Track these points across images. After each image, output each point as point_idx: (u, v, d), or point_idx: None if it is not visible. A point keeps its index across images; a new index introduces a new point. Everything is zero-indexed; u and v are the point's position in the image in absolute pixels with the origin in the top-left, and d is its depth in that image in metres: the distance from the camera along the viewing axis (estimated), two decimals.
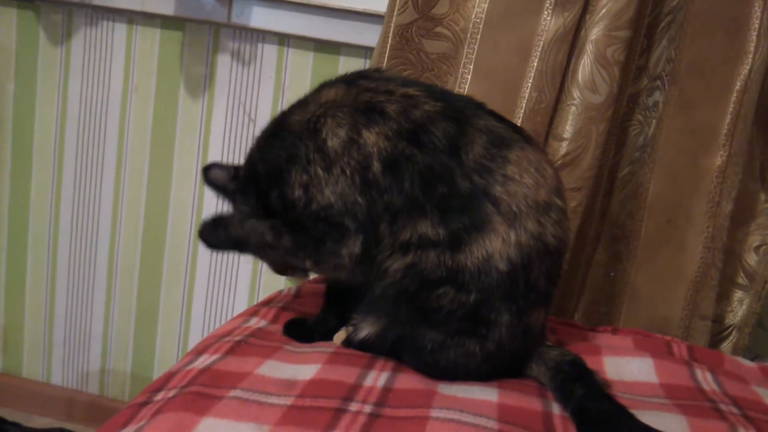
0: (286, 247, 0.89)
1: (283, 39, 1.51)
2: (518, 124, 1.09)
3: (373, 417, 0.68)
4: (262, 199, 0.91)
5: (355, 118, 0.84)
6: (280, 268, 0.98)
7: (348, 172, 0.83)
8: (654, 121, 1.21)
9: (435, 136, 0.82)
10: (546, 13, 1.14)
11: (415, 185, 0.81)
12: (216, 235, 0.94)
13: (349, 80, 0.91)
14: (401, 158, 0.82)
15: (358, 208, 0.83)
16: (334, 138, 0.84)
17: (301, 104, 0.91)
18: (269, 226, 0.90)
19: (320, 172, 0.84)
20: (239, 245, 0.94)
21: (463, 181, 0.80)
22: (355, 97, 0.87)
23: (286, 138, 0.88)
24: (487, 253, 0.78)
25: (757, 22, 1.12)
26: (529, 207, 0.80)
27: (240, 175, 0.95)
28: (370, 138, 0.83)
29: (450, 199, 0.80)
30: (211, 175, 0.96)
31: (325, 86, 0.92)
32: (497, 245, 0.78)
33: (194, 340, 1.67)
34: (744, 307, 1.25)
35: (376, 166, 0.82)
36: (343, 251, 0.85)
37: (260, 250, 0.93)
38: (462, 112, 0.84)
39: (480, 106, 0.88)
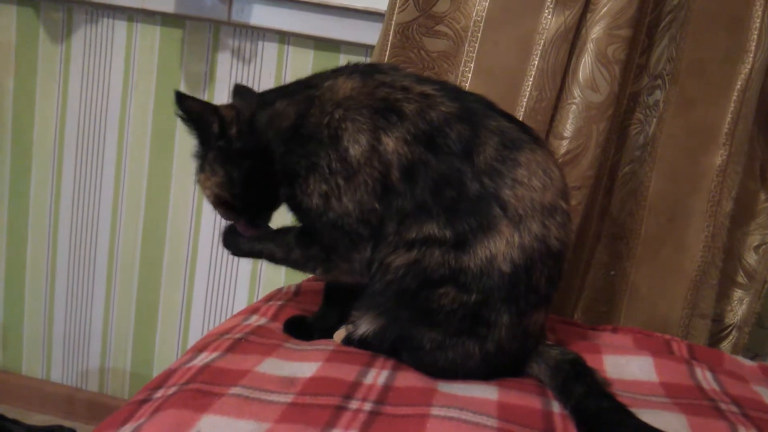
0: (296, 260, 0.90)
1: (284, 37, 1.51)
2: None
3: (373, 415, 0.68)
4: (251, 175, 0.90)
5: (374, 121, 0.83)
6: None
7: (369, 182, 0.83)
8: (654, 120, 1.21)
9: (450, 139, 0.81)
10: (547, 11, 1.14)
11: (426, 190, 0.81)
12: (235, 244, 0.95)
13: (365, 72, 0.89)
14: (418, 164, 0.81)
15: (374, 214, 0.83)
16: (356, 145, 0.83)
17: (316, 100, 0.87)
18: (277, 244, 0.91)
19: (341, 182, 0.83)
20: (254, 255, 0.96)
21: (472, 183, 0.80)
22: (372, 92, 0.85)
23: (306, 144, 0.86)
24: (490, 254, 0.78)
25: (758, 21, 1.11)
26: (534, 210, 0.80)
27: (231, 135, 0.90)
28: (390, 144, 0.82)
29: (458, 203, 0.80)
30: (188, 105, 0.89)
31: (338, 76, 0.89)
32: (501, 247, 0.78)
33: (194, 338, 1.67)
34: (744, 306, 1.25)
35: (395, 173, 0.82)
36: (356, 257, 0.85)
37: (273, 261, 0.94)
38: (476, 113, 0.84)
39: (491, 106, 0.87)
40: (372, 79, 0.87)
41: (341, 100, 0.86)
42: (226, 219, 0.97)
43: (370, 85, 0.86)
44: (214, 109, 0.90)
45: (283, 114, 0.90)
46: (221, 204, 0.94)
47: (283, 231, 0.92)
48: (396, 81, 0.87)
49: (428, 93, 0.85)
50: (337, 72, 0.91)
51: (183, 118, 0.91)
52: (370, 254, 0.85)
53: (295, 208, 0.89)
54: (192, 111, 0.90)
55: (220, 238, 0.96)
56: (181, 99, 0.89)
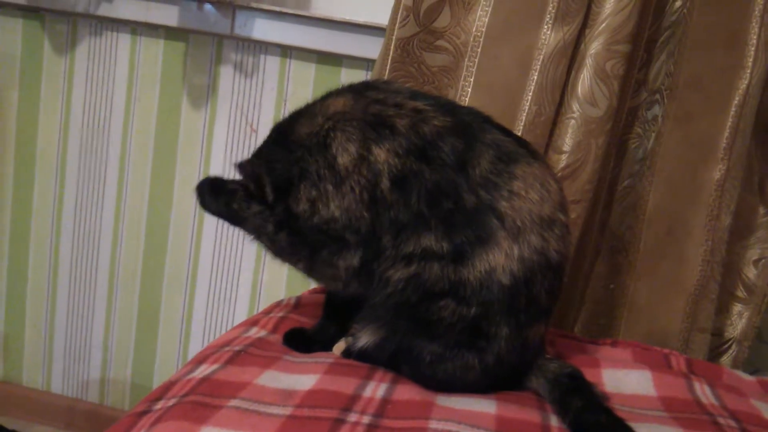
0: (282, 244, 0.89)
1: (286, 51, 1.52)
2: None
3: (371, 428, 0.69)
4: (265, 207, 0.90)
5: (365, 132, 0.84)
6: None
7: (357, 190, 0.83)
8: (653, 134, 1.21)
9: (443, 152, 0.82)
10: (546, 27, 1.15)
11: (421, 201, 0.81)
12: (216, 201, 0.91)
13: (357, 90, 0.90)
14: (410, 175, 0.82)
15: (362, 222, 0.83)
16: (345, 154, 0.83)
17: (307, 114, 0.89)
18: (272, 219, 0.89)
19: (329, 188, 0.84)
20: (235, 220, 0.91)
21: (469, 196, 0.80)
22: (364, 108, 0.86)
23: (295, 151, 0.86)
24: (489, 266, 0.78)
25: (755, 37, 1.12)
26: (533, 222, 0.80)
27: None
28: (381, 155, 0.82)
29: (455, 214, 0.80)
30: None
31: (331, 95, 0.91)
32: (500, 259, 0.79)
33: (194, 350, 1.67)
34: (743, 320, 1.25)
35: (385, 183, 0.82)
36: (340, 263, 0.85)
37: (256, 234, 0.91)
38: (470, 126, 0.85)
39: (487, 120, 0.88)
40: (364, 97, 0.88)
41: (332, 114, 0.87)
42: None
43: (362, 102, 0.87)
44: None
45: (274, 134, 0.92)
46: None
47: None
48: (389, 98, 0.87)
49: (420, 108, 0.85)
50: (328, 94, 0.92)
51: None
52: (359, 264, 0.85)
53: (288, 218, 0.88)
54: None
55: (196, 194, 0.92)
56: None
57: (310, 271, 0.90)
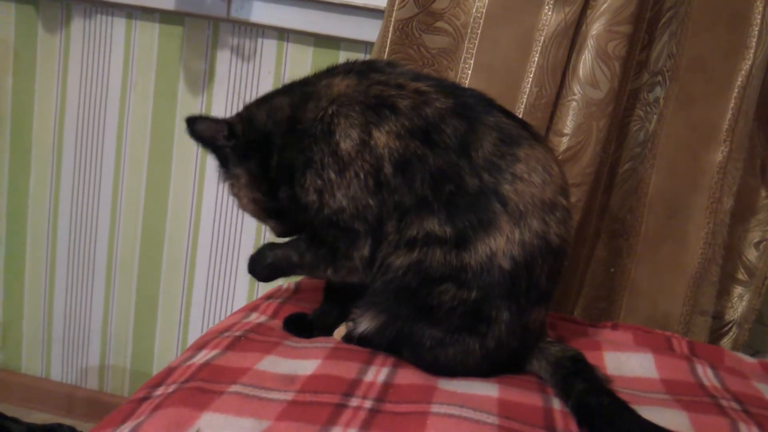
0: (309, 263, 0.90)
1: (283, 34, 1.51)
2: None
3: (373, 412, 0.68)
4: (265, 169, 0.91)
5: (366, 116, 0.83)
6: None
7: (361, 176, 0.83)
8: (655, 116, 1.20)
9: (446, 135, 0.81)
10: (547, 8, 1.14)
11: (425, 185, 0.81)
12: (261, 269, 0.95)
13: (360, 71, 0.90)
14: (413, 159, 0.81)
15: (369, 211, 0.83)
16: (347, 140, 0.83)
17: (312, 96, 0.88)
18: (294, 249, 0.91)
19: (333, 176, 0.84)
20: (279, 271, 0.95)
21: (472, 179, 0.80)
22: (366, 90, 0.86)
23: (302, 140, 0.86)
24: (490, 251, 0.78)
25: (759, 17, 1.11)
26: (534, 206, 0.80)
27: (238, 133, 0.91)
28: (381, 139, 0.82)
29: (458, 198, 0.80)
30: (198, 127, 0.91)
31: (336, 74, 0.90)
32: (501, 243, 0.78)
33: (194, 336, 1.67)
34: (744, 303, 1.25)
35: (388, 168, 0.82)
36: (355, 254, 0.85)
37: (292, 270, 0.94)
38: (472, 108, 0.84)
39: (490, 102, 0.87)
40: (367, 78, 0.88)
41: (335, 96, 0.86)
42: (279, 233, 0.97)
43: (365, 83, 0.87)
44: (222, 120, 0.92)
45: (279, 107, 0.91)
46: (262, 210, 0.95)
47: (297, 237, 0.93)
48: (391, 79, 0.87)
49: (423, 90, 0.85)
50: (333, 70, 0.92)
51: (197, 141, 0.92)
52: (369, 253, 0.85)
53: (296, 209, 0.89)
54: (204, 133, 0.91)
55: (247, 264, 0.96)
56: (192, 124, 0.90)
57: (336, 272, 0.90)
